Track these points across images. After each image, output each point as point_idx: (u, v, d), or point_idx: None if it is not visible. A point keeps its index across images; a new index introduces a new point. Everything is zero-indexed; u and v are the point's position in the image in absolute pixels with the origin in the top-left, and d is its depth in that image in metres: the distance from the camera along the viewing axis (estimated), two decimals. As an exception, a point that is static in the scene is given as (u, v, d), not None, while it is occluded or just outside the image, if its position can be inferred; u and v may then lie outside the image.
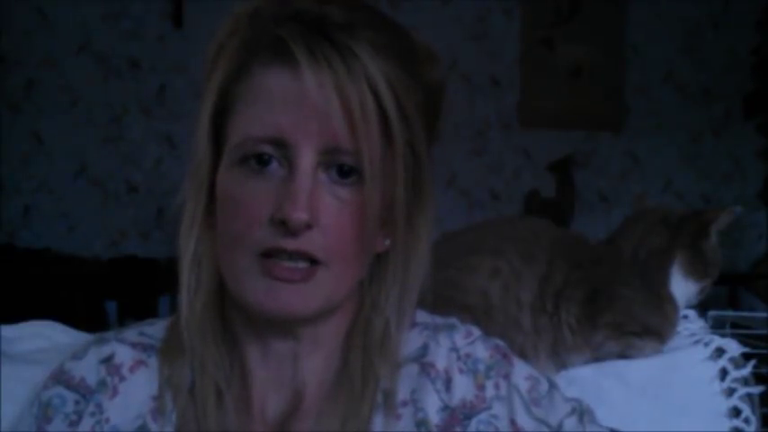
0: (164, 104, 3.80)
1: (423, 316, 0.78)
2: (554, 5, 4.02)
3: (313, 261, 0.67)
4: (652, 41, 4.08)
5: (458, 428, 0.72)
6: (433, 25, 3.66)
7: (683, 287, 0.99)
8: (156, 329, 0.78)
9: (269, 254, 0.66)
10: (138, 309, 3.14)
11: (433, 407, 0.73)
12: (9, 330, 0.94)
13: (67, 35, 3.76)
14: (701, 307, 1.05)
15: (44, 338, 0.94)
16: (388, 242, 0.72)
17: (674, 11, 4.07)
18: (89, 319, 2.91)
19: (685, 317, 1.04)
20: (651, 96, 4.08)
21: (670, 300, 0.99)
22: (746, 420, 0.95)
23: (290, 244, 0.66)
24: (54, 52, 3.75)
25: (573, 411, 0.75)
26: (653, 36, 4.08)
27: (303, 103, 0.65)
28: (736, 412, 0.95)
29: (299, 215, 0.64)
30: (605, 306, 0.96)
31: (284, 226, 0.65)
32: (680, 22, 4.09)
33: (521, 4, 4.01)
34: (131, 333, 0.78)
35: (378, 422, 0.71)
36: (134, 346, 0.76)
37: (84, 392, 0.73)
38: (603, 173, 4.05)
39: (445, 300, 0.93)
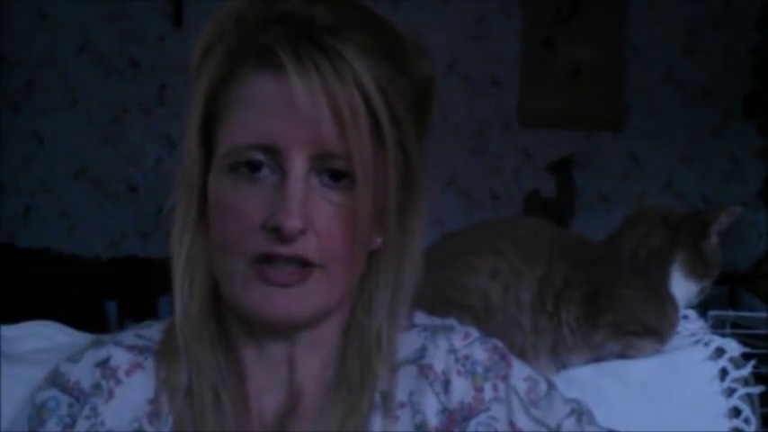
0: (164, 104, 3.79)
1: (421, 317, 0.78)
2: (554, 5, 4.02)
3: (307, 264, 0.67)
4: (652, 41, 4.07)
5: (456, 431, 0.72)
6: (433, 25, 3.66)
7: (683, 287, 0.99)
8: (152, 331, 0.77)
9: (263, 259, 0.66)
10: (138, 309, 3.13)
11: (431, 409, 0.72)
12: (9, 330, 0.94)
13: (67, 35, 3.75)
14: (701, 307, 1.05)
15: (44, 338, 0.94)
16: (380, 240, 0.72)
17: (675, 11, 4.06)
18: (89, 319, 2.90)
19: (685, 317, 1.04)
20: (651, 96, 4.07)
21: (670, 300, 0.99)
22: (746, 420, 0.95)
23: (285, 250, 0.65)
24: (54, 52, 3.75)
25: (572, 412, 0.75)
26: (653, 36, 4.07)
27: (292, 108, 0.64)
28: (736, 412, 0.95)
29: (293, 222, 0.64)
30: (605, 306, 0.96)
31: (278, 232, 0.65)
32: (680, 22, 4.08)
33: (521, 4, 4.01)
34: (128, 336, 0.77)
35: (376, 423, 0.71)
36: (130, 348, 0.75)
37: (78, 395, 0.73)
38: (603, 173, 4.04)
39: (445, 300, 0.93)
